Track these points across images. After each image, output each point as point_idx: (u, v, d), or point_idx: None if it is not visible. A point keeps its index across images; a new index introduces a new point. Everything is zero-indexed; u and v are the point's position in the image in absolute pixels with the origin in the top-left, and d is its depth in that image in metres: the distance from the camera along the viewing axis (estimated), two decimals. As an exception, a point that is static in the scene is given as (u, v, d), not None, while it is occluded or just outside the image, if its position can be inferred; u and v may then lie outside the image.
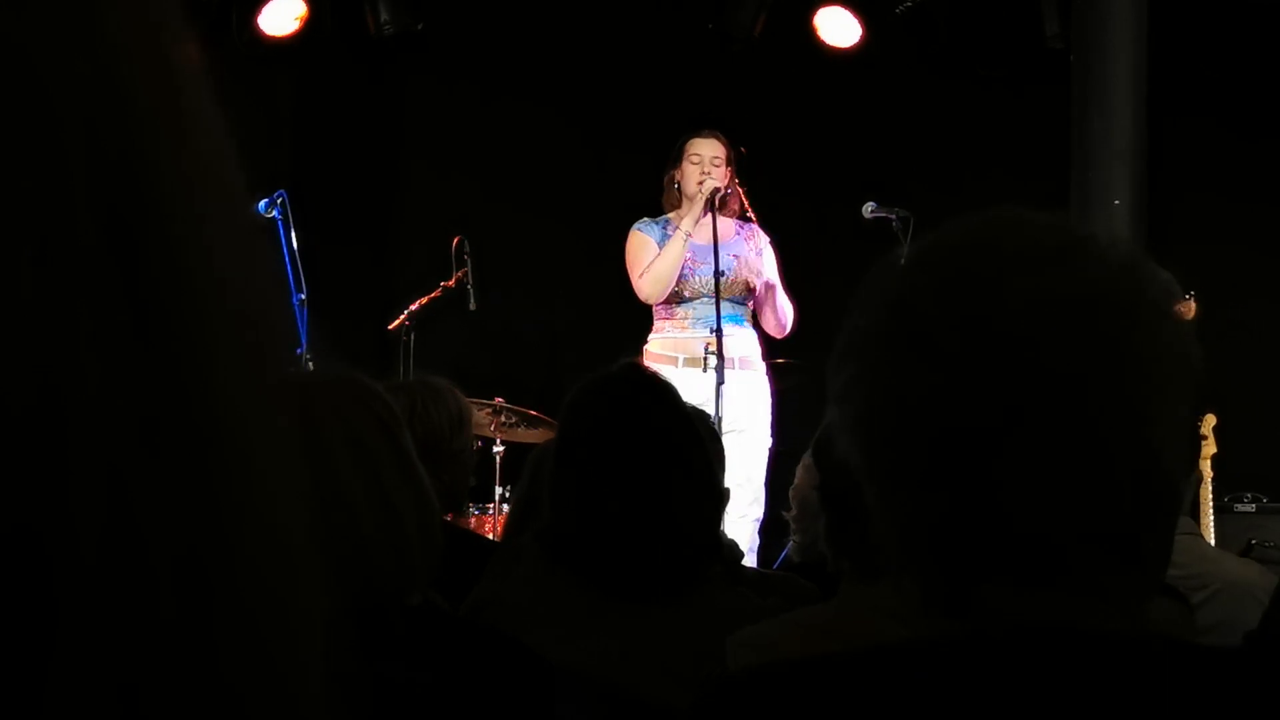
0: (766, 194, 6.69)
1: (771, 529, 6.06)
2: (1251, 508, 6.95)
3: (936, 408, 1.11)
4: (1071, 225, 1.19)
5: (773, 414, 6.38)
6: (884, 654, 1.13)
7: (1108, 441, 1.11)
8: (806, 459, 3.35)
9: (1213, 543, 5.91)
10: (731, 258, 6.32)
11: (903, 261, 1.19)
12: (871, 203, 6.71)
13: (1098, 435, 1.11)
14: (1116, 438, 1.11)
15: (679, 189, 6.38)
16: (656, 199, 6.60)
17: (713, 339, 6.06)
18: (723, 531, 3.18)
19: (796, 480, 3.38)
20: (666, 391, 2.76)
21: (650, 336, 6.41)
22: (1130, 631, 1.12)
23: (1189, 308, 6.52)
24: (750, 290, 6.35)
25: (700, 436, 2.71)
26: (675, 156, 6.43)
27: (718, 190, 6.25)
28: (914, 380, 1.12)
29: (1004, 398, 1.10)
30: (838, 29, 8.06)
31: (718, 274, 6.09)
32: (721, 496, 2.79)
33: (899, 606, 1.90)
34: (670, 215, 6.41)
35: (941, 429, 1.11)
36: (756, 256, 6.38)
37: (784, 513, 3.46)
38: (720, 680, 1.17)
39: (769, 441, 6.30)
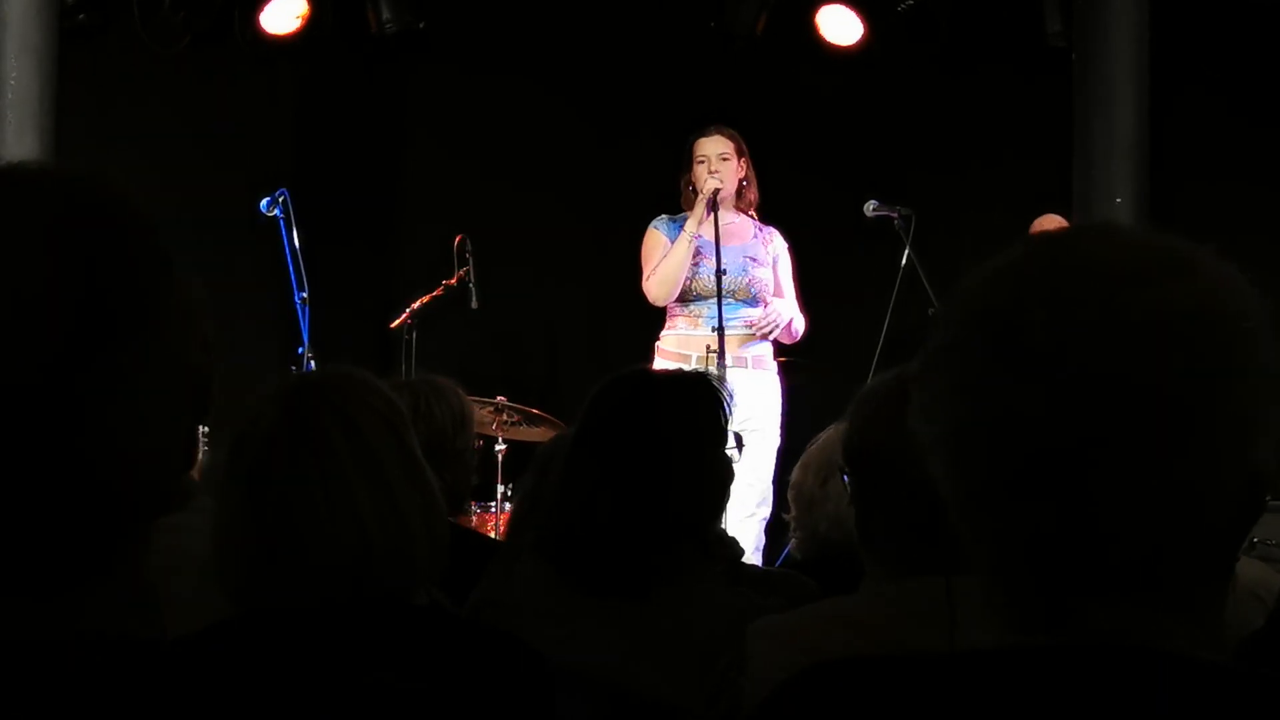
0: (768, 192, 6.68)
1: (777, 528, 6.06)
2: (1254, 506, 6.94)
3: (1036, 426, 1.11)
4: (1170, 240, 1.19)
5: (782, 414, 6.38)
6: (953, 662, 1.13)
7: (1213, 458, 1.12)
8: (805, 459, 3.35)
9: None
10: (745, 259, 6.31)
11: (992, 276, 1.18)
12: (873, 201, 6.71)
13: (1203, 452, 1.11)
14: (1222, 454, 1.12)
15: (694, 191, 6.38)
16: (659, 197, 6.60)
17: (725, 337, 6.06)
18: (723, 530, 3.18)
19: (793, 477, 3.38)
20: (680, 389, 2.77)
21: (663, 333, 6.40)
22: (1211, 657, 1.12)
23: None
24: (763, 292, 6.34)
25: (713, 439, 2.72)
26: (686, 160, 6.43)
27: (718, 190, 6.24)
28: (1013, 398, 1.11)
29: (1108, 415, 1.10)
30: (839, 27, 8.05)
31: (719, 273, 6.08)
32: (724, 494, 2.80)
33: (923, 606, 1.90)
34: (688, 213, 6.40)
35: (1040, 447, 1.11)
36: (770, 264, 6.38)
37: (784, 514, 3.46)
38: (800, 674, 1.16)
39: (778, 441, 6.30)
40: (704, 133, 6.41)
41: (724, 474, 2.77)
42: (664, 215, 6.47)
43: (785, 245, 6.50)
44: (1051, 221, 6.56)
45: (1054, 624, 1.13)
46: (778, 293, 6.41)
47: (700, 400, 2.76)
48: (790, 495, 3.40)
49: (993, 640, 1.14)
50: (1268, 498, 1.17)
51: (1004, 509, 1.13)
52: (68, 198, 1.12)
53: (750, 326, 6.25)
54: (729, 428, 2.83)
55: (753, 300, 6.31)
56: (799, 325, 6.41)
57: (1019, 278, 1.16)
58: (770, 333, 6.30)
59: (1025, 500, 1.12)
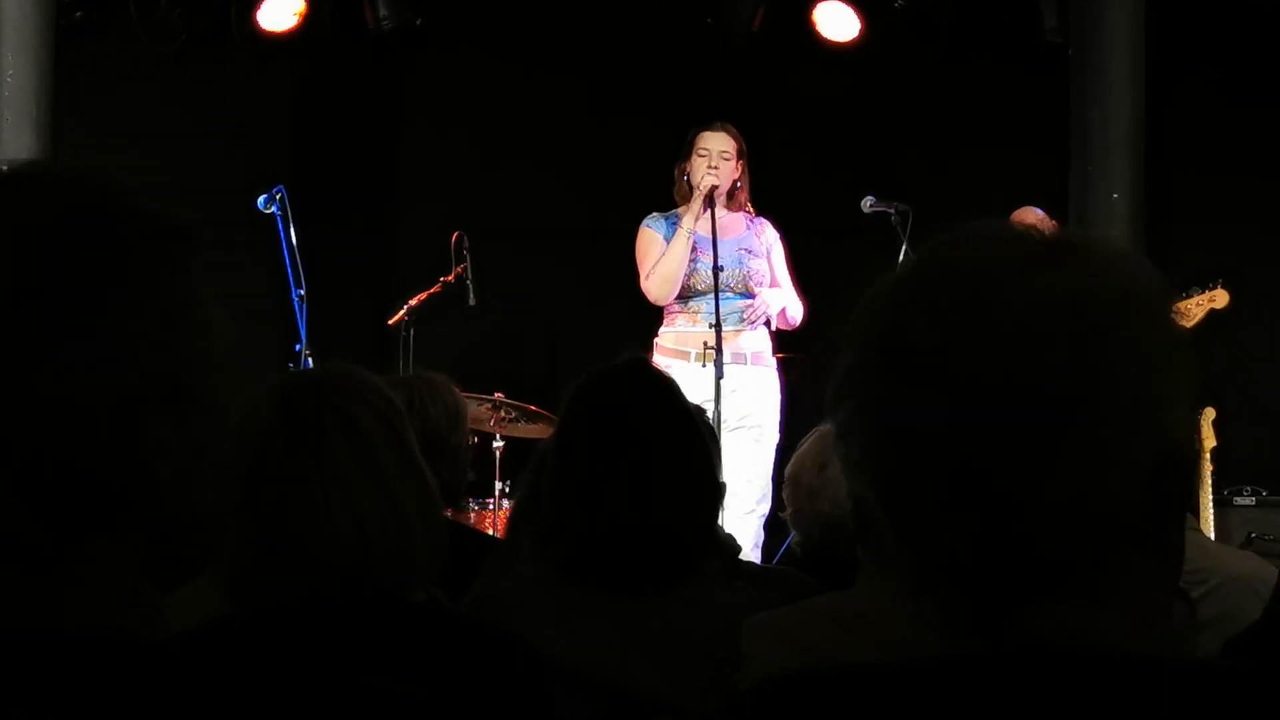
0: (766, 187, 6.68)
1: (776, 524, 6.06)
2: (1251, 501, 6.95)
3: (940, 440, 1.10)
4: (1057, 234, 1.16)
5: (781, 410, 6.37)
6: (920, 668, 1.12)
7: (1117, 444, 1.10)
8: (798, 454, 3.34)
9: (1212, 536, 5.91)
10: (740, 251, 6.31)
11: (885, 289, 1.17)
12: (870, 197, 6.71)
13: (1106, 439, 1.09)
14: (1126, 439, 1.10)
15: (688, 182, 6.37)
16: (658, 193, 6.59)
17: (723, 333, 6.06)
18: (720, 526, 3.18)
19: (788, 474, 3.38)
20: (666, 385, 2.76)
21: (661, 330, 6.39)
22: (1160, 652, 1.11)
23: (1222, 295, 6.52)
24: (759, 284, 6.33)
25: (698, 429, 2.71)
26: (686, 150, 6.42)
27: (715, 188, 6.23)
28: (914, 413, 1.10)
29: (1005, 418, 1.09)
30: (837, 23, 8.05)
31: (716, 269, 6.08)
32: (719, 491, 2.79)
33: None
34: (680, 210, 6.39)
35: (948, 458, 1.10)
36: (765, 255, 6.37)
37: (780, 513, 3.46)
38: (761, 684, 1.16)
39: (777, 437, 6.29)
40: (709, 126, 6.39)
41: (713, 468, 2.76)
42: (655, 213, 6.46)
43: (777, 235, 6.50)
44: (1029, 214, 6.57)
45: (985, 631, 1.12)
46: (774, 283, 6.40)
47: (676, 393, 2.75)
48: (786, 493, 3.40)
49: (926, 651, 1.13)
50: (1194, 473, 1.16)
51: (925, 522, 1.12)
52: (30, 190, 1.13)
53: (742, 319, 6.24)
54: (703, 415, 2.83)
55: (749, 293, 6.31)
56: (797, 312, 6.39)
57: (901, 291, 1.15)
58: (759, 321, 6.28)
59: (944, 512, 1.10)
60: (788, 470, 3.38)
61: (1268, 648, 2.18)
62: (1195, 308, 6.57)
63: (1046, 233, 1.16)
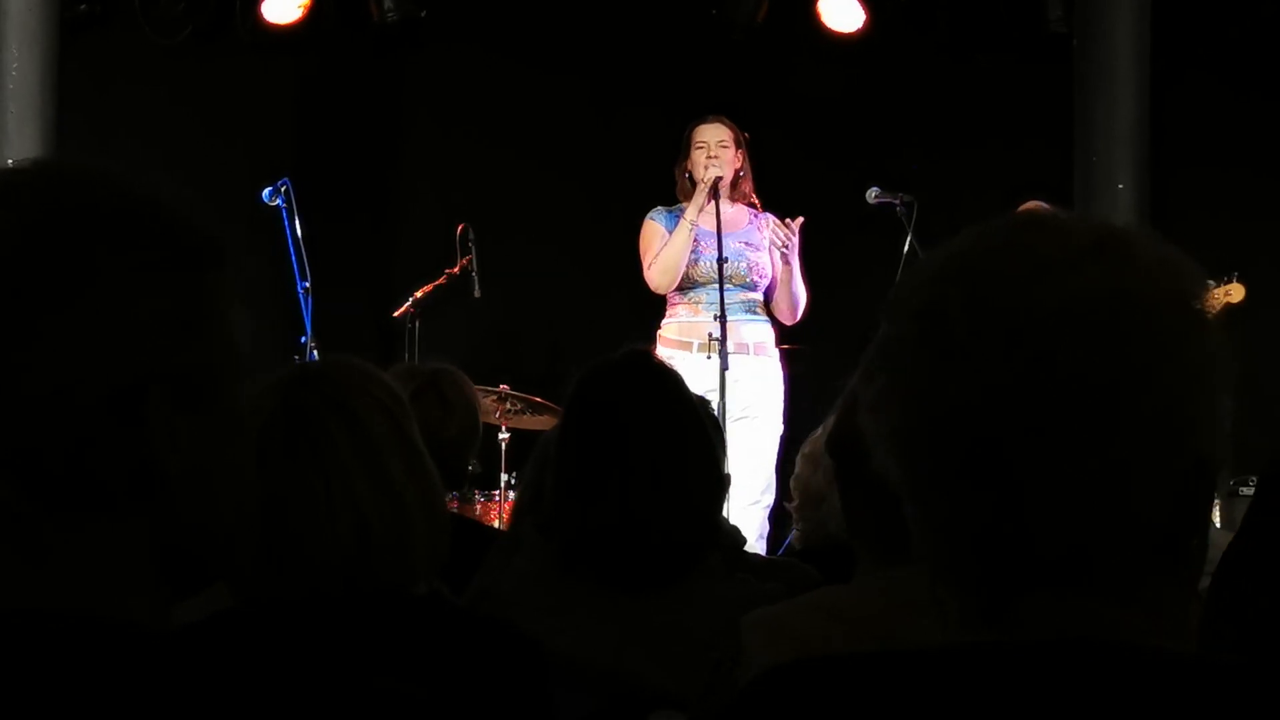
0: (771, 180, 6.68)
1: (781, 516, 6.06)
2: (1257, 492, 6.92)
3: (967, 418, 1.10)
4: (1103, 224, 1.16)
5: (785, 401, 6.37)
6: (922, 658, 1.12)
7: (1146, 445, 1.09)
8: (805, 449, 3.34)
9: (1219, 526, 5.91)
10: (742, 245, 6.30)
11: (930, 266, 1.17)
12: (875, 188, 6.70)
13: (1134, 439, 1.09)
14: (1155, 441, 1.10)
15: (690, 178, 6.37)
16: (659, 188, 6.59)
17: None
18: (724, 518, 3.18)
19: (797, 469, 3.37)
20: (670, 377, 2.76)
21: (664, 322, 6.39)
22: (1172, 648, 1.11)
23: (1238, 290, 6.48)
24: (762, 276, 6.33)
25: (702, 423, 2.71)
26: (684, 147, 6.42)
27: (720, 178, 6.23)
28: (944, 390, 1.11)
29: (1034, 404, 1.09)
30: (841, 14, 8.04)
31: (721, 262, 6.08)
32: (722, 483, 2.79)
33: (916, 595, 1.88)
34: (683, 204, 6.40)
35: (974, 439, 1.10)
36: (767, 248, 6.36)
37: (785, 503, 3.46)
38: (763, 674, 1.16)
39: (781, 428, 6.30)
40: (703, 120, 6.41)
41: (716, 461, 2.76)
42: (659, 206, 6.47)
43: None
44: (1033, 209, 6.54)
45: (995, 618, 1.12)
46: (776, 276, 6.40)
47: (680, 386, 2.75)
48: (793, 485, 3.40)
49: (923, 622, 1.14)
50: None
51: (946, 501, 1.12)
52: (28, 184, 1.13)
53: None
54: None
55: (751, 285, 6.31)
56: (802, 300, 6.38)
57: (947, 269, 1.15)
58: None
59: (965, 492, 1.11)
60: (797, 465, 3.38)
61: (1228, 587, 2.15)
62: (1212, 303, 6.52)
63: (1096, 225, 1.16)
